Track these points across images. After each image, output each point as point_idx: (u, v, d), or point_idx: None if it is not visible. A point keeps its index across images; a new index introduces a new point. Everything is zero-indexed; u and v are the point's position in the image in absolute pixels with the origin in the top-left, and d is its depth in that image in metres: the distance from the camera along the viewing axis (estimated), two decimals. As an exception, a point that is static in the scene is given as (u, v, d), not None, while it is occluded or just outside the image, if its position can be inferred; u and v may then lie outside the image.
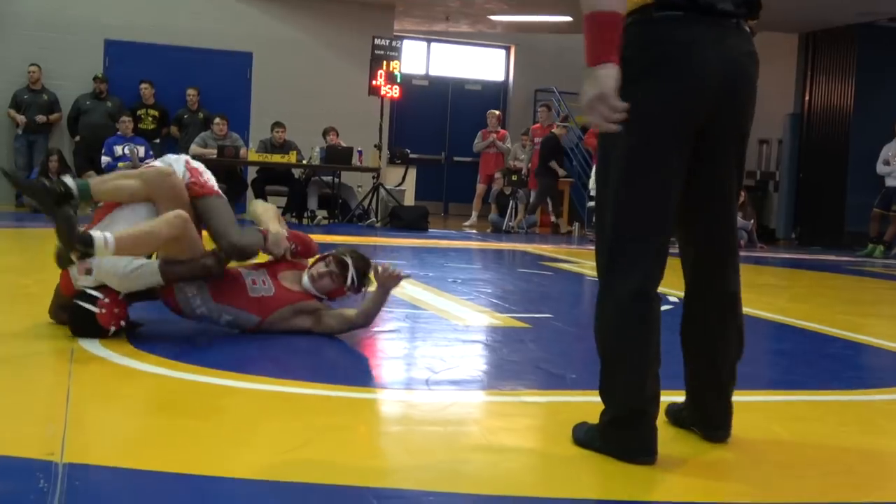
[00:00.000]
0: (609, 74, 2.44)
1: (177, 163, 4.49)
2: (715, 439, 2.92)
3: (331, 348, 4.26)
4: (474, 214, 14.75)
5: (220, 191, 4.60)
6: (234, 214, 4.58)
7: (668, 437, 2.90)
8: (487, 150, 15.03)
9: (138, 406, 3.11)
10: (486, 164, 14.88)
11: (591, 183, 13.32)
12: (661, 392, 2.75)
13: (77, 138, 13.42)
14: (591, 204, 13.41)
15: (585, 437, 2.84)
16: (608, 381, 2.76)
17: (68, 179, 4.08)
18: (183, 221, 4.12)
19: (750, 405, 3.08)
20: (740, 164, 2.80)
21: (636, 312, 2.68)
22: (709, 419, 2.94)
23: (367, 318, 4.38)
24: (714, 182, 2.76)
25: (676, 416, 3.06)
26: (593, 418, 2.85)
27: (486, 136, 14.88)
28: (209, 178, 4.56)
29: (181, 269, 4.18)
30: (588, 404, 3.23)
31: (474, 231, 13.77)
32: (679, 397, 3.09)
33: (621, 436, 2.71)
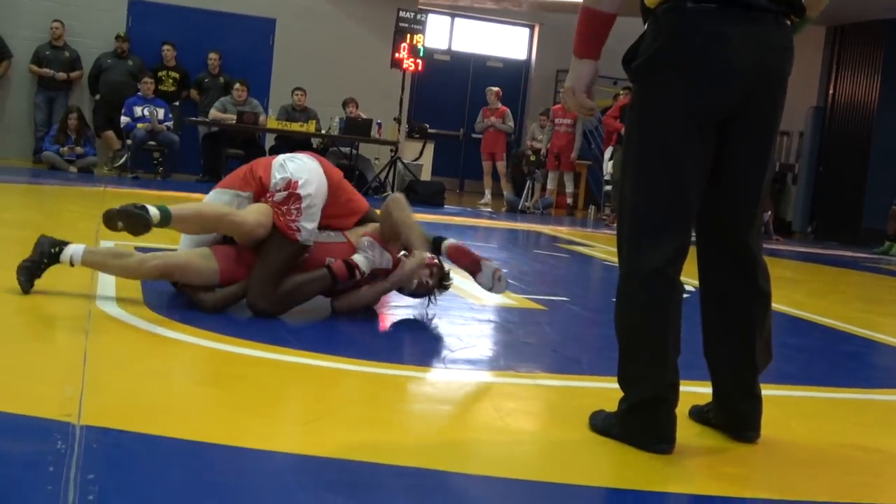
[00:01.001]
0: (587, 71, 2.63)
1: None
2: (743, 440, 2.87)
3: (350, 323, 4.24)
4: (488, 192, 14.70)
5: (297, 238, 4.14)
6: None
7: (691, 433, 2.88)
8: (489, 129, 14.92)
9: (156, 371, 3.10)
10: (487, 141, 14.77)
11: (609, 167, 13.27)
12: (681, 382, 2.73)
13: (97, 97, 13.41)
14: (608, 188, 13.37)
15: (603, 424, 2.82)
16: (628, 367, 2.73)
17: (151, 209, 3.90)
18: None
19: (767, 399, 3.04)
20: (767, 158, 2.75)
21: (657, 297, 2.66)
22: (737, 420, 2.89)
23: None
24: (738, 176, 2.73)
25: (702, 416, 3.01)
26: (608, 404, 2.84)
27: (486, 114, 14.77)
28: (299, 221, 4.10)
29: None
30: (603, 390, 3.22)
31: (490, 209, 13.73)
32: (696, 388, 3.08)
33: (640, 423, 2.69)
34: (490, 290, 4.44)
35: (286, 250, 4.08)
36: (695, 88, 2.58)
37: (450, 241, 4.53)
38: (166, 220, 3.94)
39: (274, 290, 4.04)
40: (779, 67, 2.65)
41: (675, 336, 2.70)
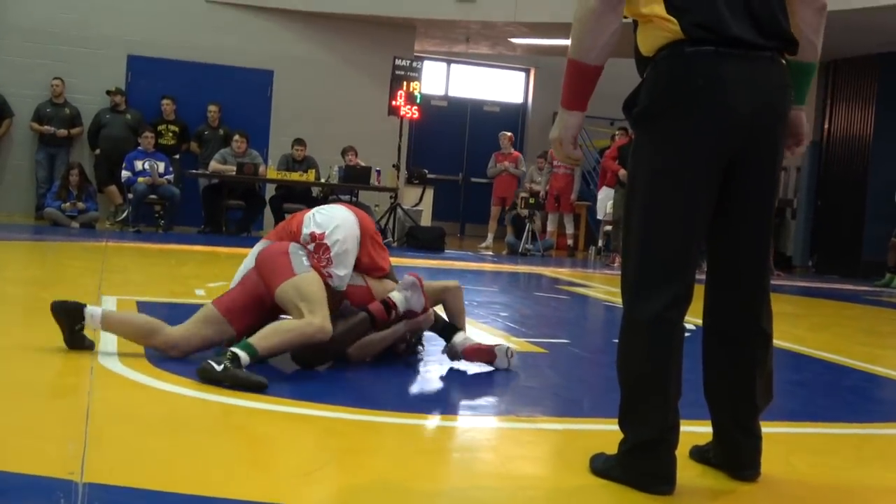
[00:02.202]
0: (573, 122, 2.70)
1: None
2: (742, 479, 2.86)
3: (349, 371, 4.26)
4: (490, 236, 14.76)
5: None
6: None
7: (692, 474, 2.89)
8: (502, 173, 14.99)
9: (158, 425, 3.12)
10: (500, 186, 14.87)
11: (608, 207, 13.32)
12: (681, 421, 2.75)
13: (97, 151, 13.51)
14: (608, 228, 13.42)
15: (603, 466, 2.83)
16: (629, 409, 2.75)
17: (239, 352, 3.75)
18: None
19: (767, 436, 3.06)
20: (772, 196, 2.78)
21: (659, 342, 2.68)
22: (736, 459, 2.89)
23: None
24: (744, 215, 2.75)
25: (702, 456, 3.01)
26: (610, 447, 2.84)
27: (500, 158, 14.87)
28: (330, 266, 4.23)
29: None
30: (605, 432, 3.22)
31: (490, 253, 13.77)
32: (696, 428, 3.09)
33: (640, 464, 2.70)
34: (507, 368, 4.49)
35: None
36: (696, 132, 2.61)
37: (467, 345, 4.50)
38: (253, 355, 3.81)
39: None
40: (777, 105, 2.69)
41: (676, 379, 2.71)
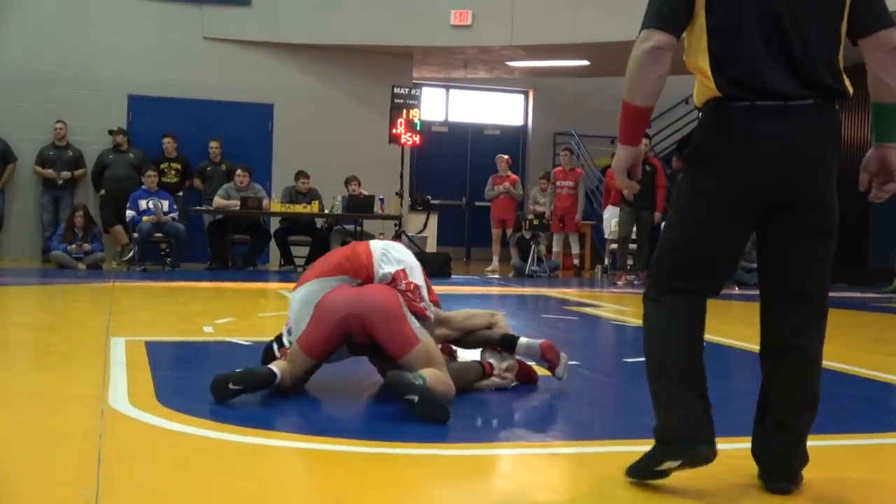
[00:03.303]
0: (624, 156, 2.95)
1: (387, 264, 4.32)
2: (777, 491, 2.94)
3: (356, 402, 4.26)
4: (495, 259, 14.77)
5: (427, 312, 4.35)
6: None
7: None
8: (500, 196, 14.98)
9: (170, 467, 3.12)
10: (498, 208, 14.88)
11: (612, 225, 13.33)
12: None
13: (102, 192, 13.57)
14: (613, 247, 13.41)
15: (641, 464, 2.94)
16: (655, 390, 2.92)
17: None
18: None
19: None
20: (818, 231, 2.95)
21: (678, 323, 2.92)
22: (772, 472, 2.98)
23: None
24: (786, 258, 2.94)
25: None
26: (623, 469, 2.84)
27: (497, 181, 14.89)
28: (422, 302, 4.31)
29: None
30: (618, 454, 3.23)
31: (497, 276, 13.78)
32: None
33: (675, 446, 2.84)
34: (561, 378, 4.68)
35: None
36: (731, 177, 2.86)
37: (540, 341, 4.74)
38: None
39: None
40: (812, 150, 2.85)
41: (694, 349, 2.92)
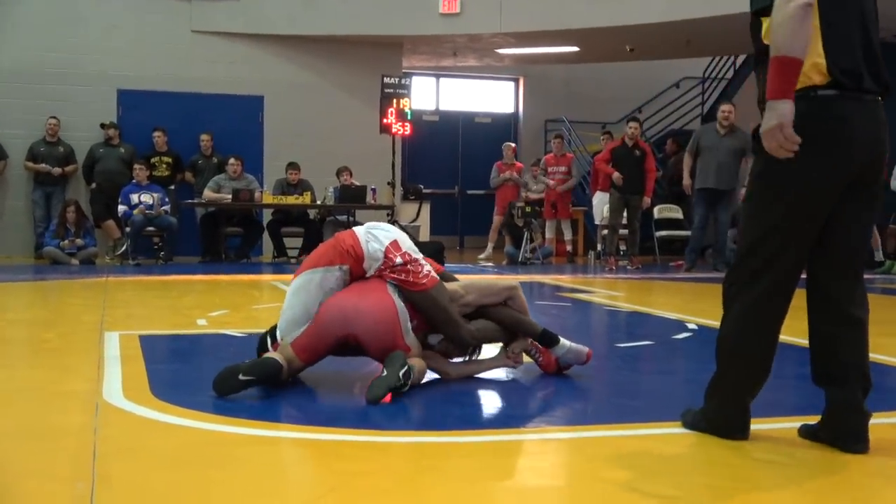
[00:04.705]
0: (788, 109, 3.01)
1: (375, 241, 4.33)
2: (855, 452, 3.21)
3: (350, 391, 4.27)
4: (490, 247, 14.78)
5: (436, 277, 4.37)
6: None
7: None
8: (506, 183, 14.96)
9: (165, 460, 3.13)
10: (504, 196, 14.81)
11: (604, 211, 13.34)
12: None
13: (93, 186, 13.55)
14: (605, 232, 13.42)
15: (693, 420, 3.42)
16: (721, 375, 3.34)
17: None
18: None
19: (768, 433, 3.08)
20: (879, 201, 3.32)
21: (753, 320, 3.27)
22: (847, 435, 3.25)
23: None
24: (855, 222, 3.26)
25: (812, 433, 3.38)
26: (619, 453, 2.87)
27: (503, 168, 14.87)
28: (424, 268, 4.34)
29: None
30: (613, 439, 3.25)
31: (491, 264, 13.79)
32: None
33: (723, 419, 3.32)
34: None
35: (439, 299, 4.30)
36: (824, 162, 3.12)
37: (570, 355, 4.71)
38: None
39: (467, 329, 4.39)
40: (884, 139, 3.24)
41: (766, 351, 3.34)
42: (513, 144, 15.21)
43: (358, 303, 4.20)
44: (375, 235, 4.34)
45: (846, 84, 3.10)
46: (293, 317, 4.29)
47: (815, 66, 3.09)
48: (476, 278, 4.60)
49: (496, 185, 14.93)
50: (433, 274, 4.35)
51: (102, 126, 13.59)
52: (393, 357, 4.02)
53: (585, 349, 4.69)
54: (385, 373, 3.95)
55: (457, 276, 4.78)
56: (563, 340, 4.65)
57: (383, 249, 4.28)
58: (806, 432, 3.40)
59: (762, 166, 3.21)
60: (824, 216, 3.21)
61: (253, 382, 4.00)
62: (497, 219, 14.90)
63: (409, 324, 4.23)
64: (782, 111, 3.02)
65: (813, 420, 3.59)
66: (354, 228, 4.49)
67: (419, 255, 4.38)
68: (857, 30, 3.16)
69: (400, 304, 4.23)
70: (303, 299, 4.28)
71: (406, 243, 4.37)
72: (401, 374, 3.94)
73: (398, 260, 4.26)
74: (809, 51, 3.05)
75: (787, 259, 3.22)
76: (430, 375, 4.42)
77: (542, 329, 4.65)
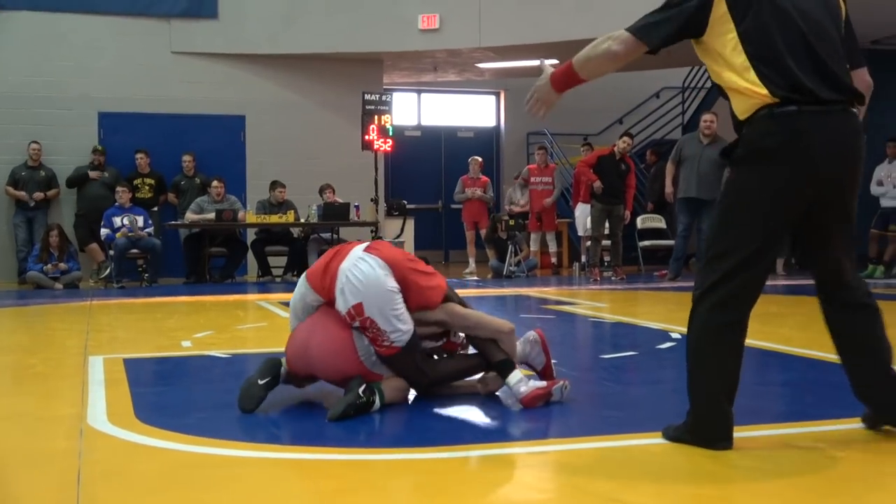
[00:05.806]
0: (548, 91, 3.54)
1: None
2: None
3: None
4: (472, 261, 14.78)
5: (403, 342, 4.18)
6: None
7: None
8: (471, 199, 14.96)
9: (150, 484, 3.13)
10: (471, 210, 14.85)
11: (586, 223, 13.39)
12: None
13: (77, 211, 13.52)
14: (589, 244, 13.46)
15: (675, 433, 3.42)
16: (693, 384, 3.34)
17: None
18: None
19: (749, 440, 3.09)
20: (852, 219, 3.40)
21: (716, 327, 3.30)
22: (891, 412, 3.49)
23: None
24: (831, 228, 3.38)
25: (869, 420, 3.62)
26: (603, 464, 2.88)
27: (468, 183, 14.83)
28: (388, 336, 4.13)
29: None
30: (597, 450, 3.26)
31: (475, 278, 13.80)
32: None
33: (705, 429, 3.32)
34: (560, 400, 4.41)
35: (405, 360, 4.23)
36: (785, 172, 3.20)
37: (527, 393, 4.28)
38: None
39: (428, 379, 4.35)
40: (851, 147, 3.30)
41: (733, 361, 3.33)
42: (479, 158, 15.16)
43: (308, 339, 4.24)
44: (347, 289, 4.12)
45: (800, 99, 3.19)
46: (291, 326, 4.49)
47: (760, 95, 3.21)
48: (475, 313, 4.52)
49: (460, 201, 14.93)
50: (404, 338, 4.13)
51: (95, 151, 13.56)
52: (352, 381, 4.09)
53: (534, 335, 4.64)
54: (345, 393, 4.05)
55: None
56: (514, 375, 4.32)
57: (344, 312, 4.13)
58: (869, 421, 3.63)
59: (733, 176, 3.32)
60: (789, 228, 3.34)
61: (271, 384, 4.15)
62: (469, 233, 14.91)
63: (371, 354, 4.19)
64: (544, 88, 3.53)
65: (795, 427, 3.63)
66: (349, 255, 4.25)
67: (396, 310, 4.12)
68: (799, 50, 3.22)
69: (358, 335, 4.19)
70: (295, 310, 4.46)
71: (373, 307, 4.08)
72: (360, 391, 4.00)
73: (356, 324, 4.14)
74: (749, 80, 3.22)
75: (750, 267, 3.28)
76: (414, 393, 4.43)
77: (501, 359, 4.41)
